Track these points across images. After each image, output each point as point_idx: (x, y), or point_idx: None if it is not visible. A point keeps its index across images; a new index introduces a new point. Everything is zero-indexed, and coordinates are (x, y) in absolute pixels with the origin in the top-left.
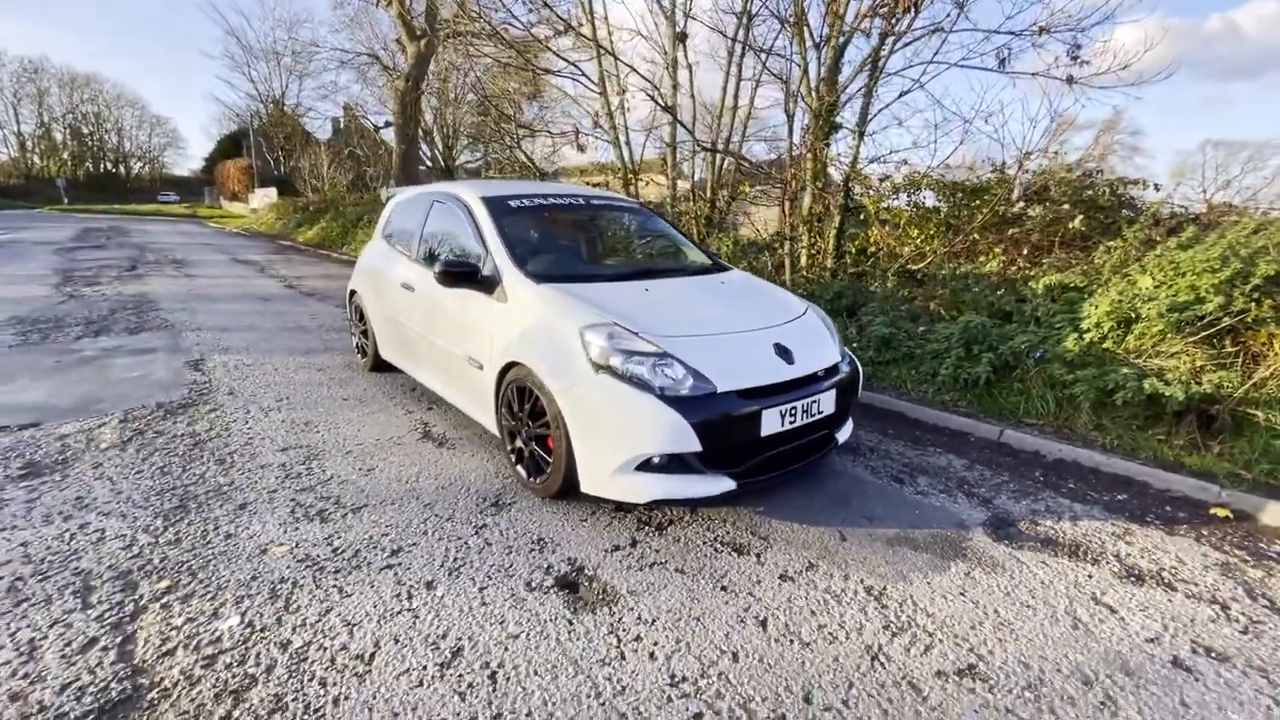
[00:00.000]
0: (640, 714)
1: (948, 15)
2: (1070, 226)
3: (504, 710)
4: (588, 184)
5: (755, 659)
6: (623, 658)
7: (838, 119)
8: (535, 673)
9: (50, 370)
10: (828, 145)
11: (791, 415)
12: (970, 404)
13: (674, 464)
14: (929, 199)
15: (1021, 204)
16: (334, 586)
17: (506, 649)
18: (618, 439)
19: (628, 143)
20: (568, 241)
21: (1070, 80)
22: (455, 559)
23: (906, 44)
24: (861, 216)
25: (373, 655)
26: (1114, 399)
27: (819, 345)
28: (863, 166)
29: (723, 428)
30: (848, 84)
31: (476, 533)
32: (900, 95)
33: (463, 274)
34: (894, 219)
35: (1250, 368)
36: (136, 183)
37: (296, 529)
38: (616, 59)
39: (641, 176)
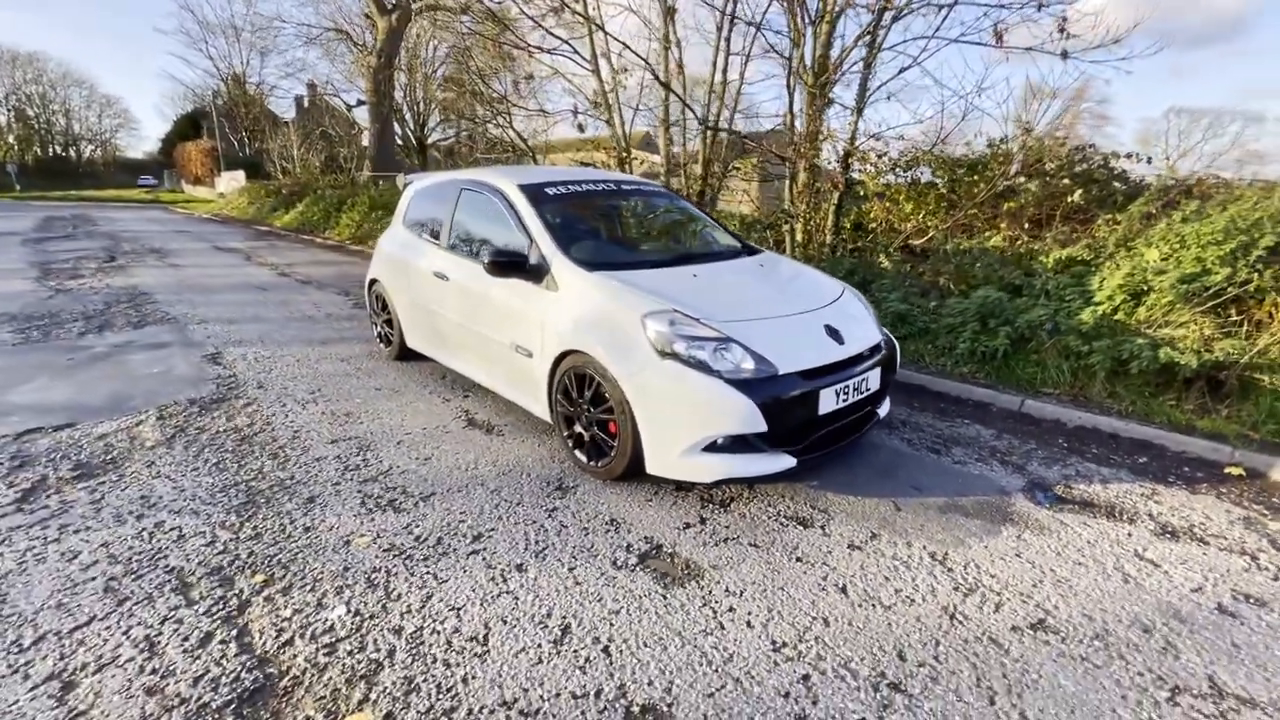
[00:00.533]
0: (752, 678)
1: None
2: (1069, 200)
3: (625, 681)
4: (577, 162)
5: (845, 623)
6: (722, 628)
7: (833, 95)
8: (645, 645)
9: (67, 369)
10: (824, 121)
11: (844, 394)
12: (989, 376)
13: (737, 444)
14: (925, 175)
15: (1022, 178)
16: (428, 574)
17: (612, 624)
18: (687, 422)
19: (623, 121)
20: (605, 227)
21: (1065, 55)
22: (537, 542)
23: (898, 18)
24: (861, 193)
25: (486, 636)
26: (1129, 368)
27: (862, 325)
28: (861, 143)
29: (785, 408)
30: (842, 59)
31: (549, 516)
32: (900, 71)
33: (511, 263)
34: (893, 195)
35: (1254, 335)
36: (89, 167)
37: (372, 519)
38: (608, 35)
39: (603, 154)
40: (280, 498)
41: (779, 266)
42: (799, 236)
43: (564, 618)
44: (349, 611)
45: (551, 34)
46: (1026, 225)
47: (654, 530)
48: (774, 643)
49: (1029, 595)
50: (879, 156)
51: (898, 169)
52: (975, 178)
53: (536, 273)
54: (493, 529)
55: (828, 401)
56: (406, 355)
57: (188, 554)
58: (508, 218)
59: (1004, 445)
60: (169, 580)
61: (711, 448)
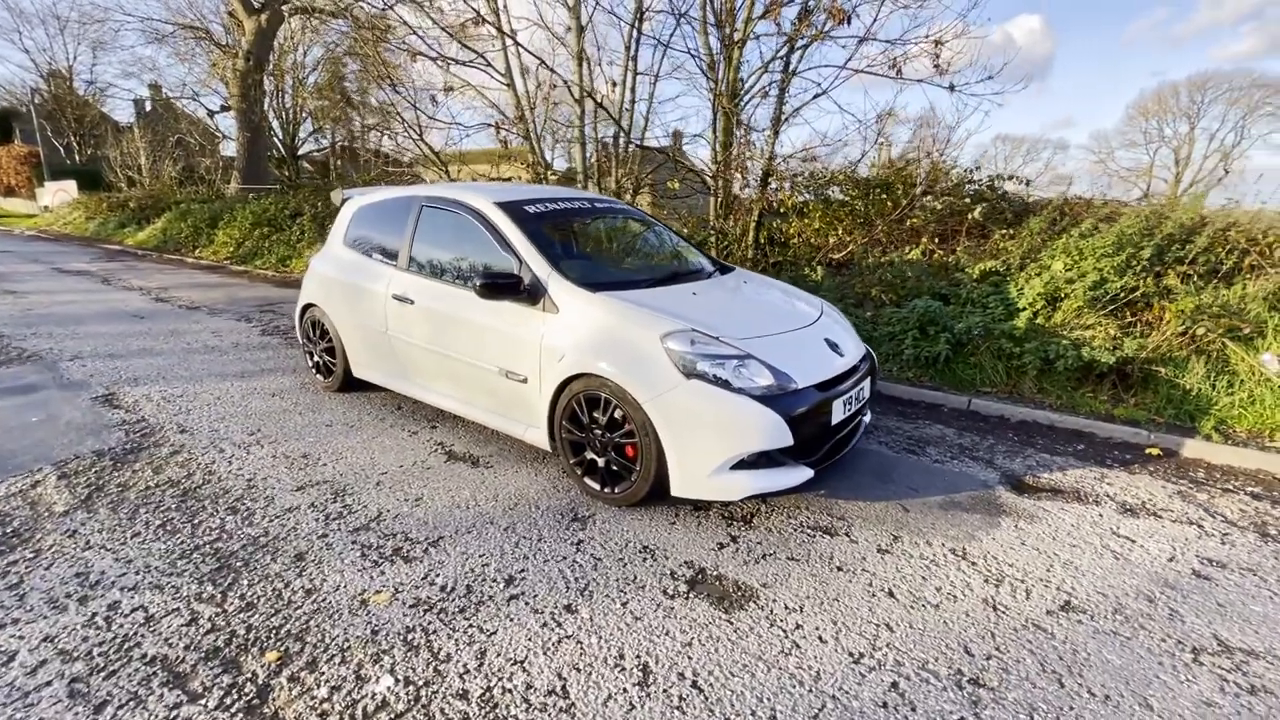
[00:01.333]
0: (846, 693)
1: (824, 25)
2: (970, 217)
3: (729, 715)
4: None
5: (906, 626)
6: (798, 646)
7: (750, 117)
8: (732, 674)
9: None
10: (737, 140)
11: (849, 403)
12: (934, 379)
13: (762, 459)
14: (836, 193)
15: (929, 197)
16: (471, 627)
17: (690, 657)
18: (716, 441)
19: (538, 135)
20: (590, 247)
21: (952, 88)
22: (577, 579)
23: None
24: (781, 210)
25: (565, 688)
26: (1055, 366)
27: (849, 337)
28: (778, 162)
29: (807, 421)
30: (752, 85)
31: (577, 550)
32: (814, 98)
33: (505, 286)
34: (811, 212)
35: (1147, 334)
36: None
37: (382, 573)
38: (520, 47)
39: (509, 167)
40: (261, 558)
41: (760, 283)
42: (712, 252)
43: (639, 657)
44: (398, 681)
45: (467, 46)
46: (937, 240)
47: (691, 554)
48: (851, 655)
49: (1047, 580)
50: (794, 176)
51: (812, 188)
52: (884, 196)
53: (531, 295)
54: (523, 570)
55: (838, 412)
56: (352, 385)
57: (167, 638)
58: (487, 238)
59: (968, 443)
60: (154, 673)
61: (739, 465)
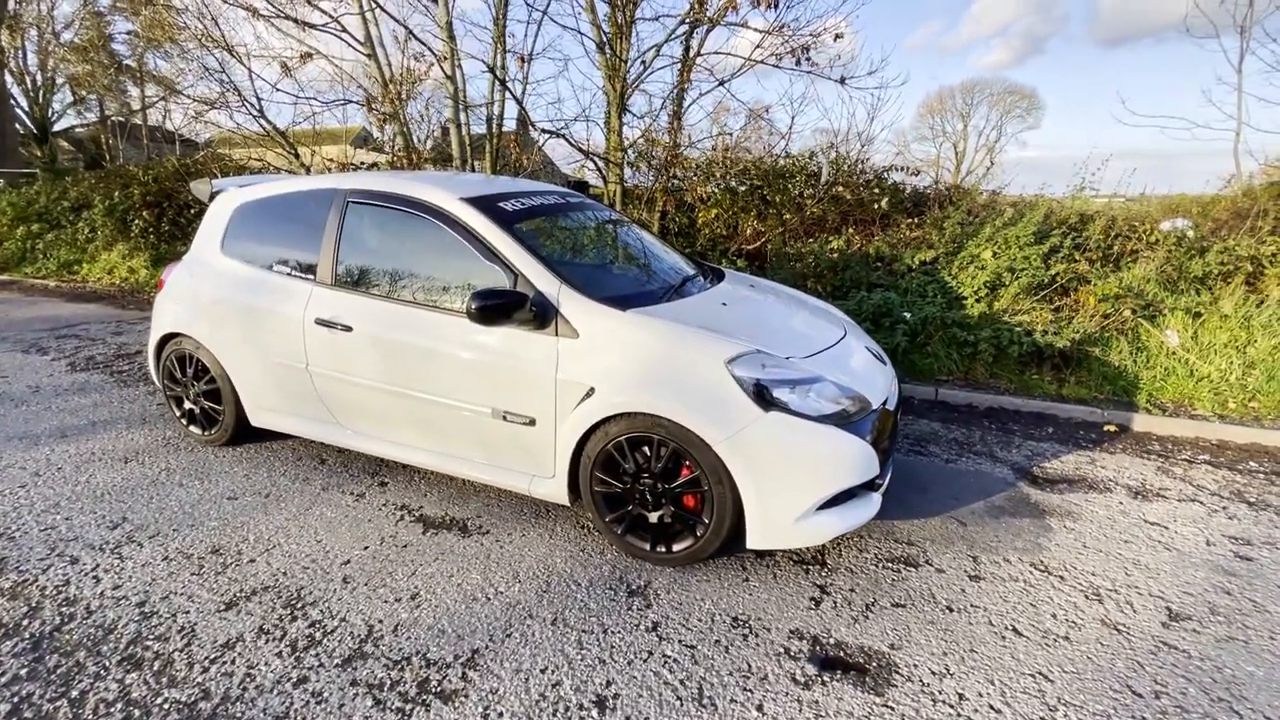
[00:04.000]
0: None
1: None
2: (876, 207)
3: None
4: (333, 162)
5: (1058, 670)
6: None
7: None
8: None
9: None
10: (624, 127)
11: (899, 415)
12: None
13: (841, 495)
14: (735, 184)
15: (840, 187)
16: None
17: None
18: (807, 481)
19: (405, 118)
20: (587, 253)
21: (842, 80)
22: (682, 682)
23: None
24: (688, 200)
25: None
26: (1008, 352)
27: (873, 342)
28: (683, 150)
29: (886, 444)
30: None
31: (658, 638)
32: (714, 88)
33: (506, 306)
34: (719, 202)
35: (1071, 317)
36: None
37: None
38: (384, 11)
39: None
40: None
41: (766, 286)
42: None
43: None
44: None
45: (317, 7)
46: (852, 230)
47: (791, 620)
48: (1022, 718)
49: (1135, 586)
50: (698, 166)
51: (716, 178)
52: (790, 186)
53: (539, 316)
54: (609, 683)
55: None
56: (243, 437)
57: None
58: (458, 244)
59: (960, 437)
60: None
61: (823, 505)
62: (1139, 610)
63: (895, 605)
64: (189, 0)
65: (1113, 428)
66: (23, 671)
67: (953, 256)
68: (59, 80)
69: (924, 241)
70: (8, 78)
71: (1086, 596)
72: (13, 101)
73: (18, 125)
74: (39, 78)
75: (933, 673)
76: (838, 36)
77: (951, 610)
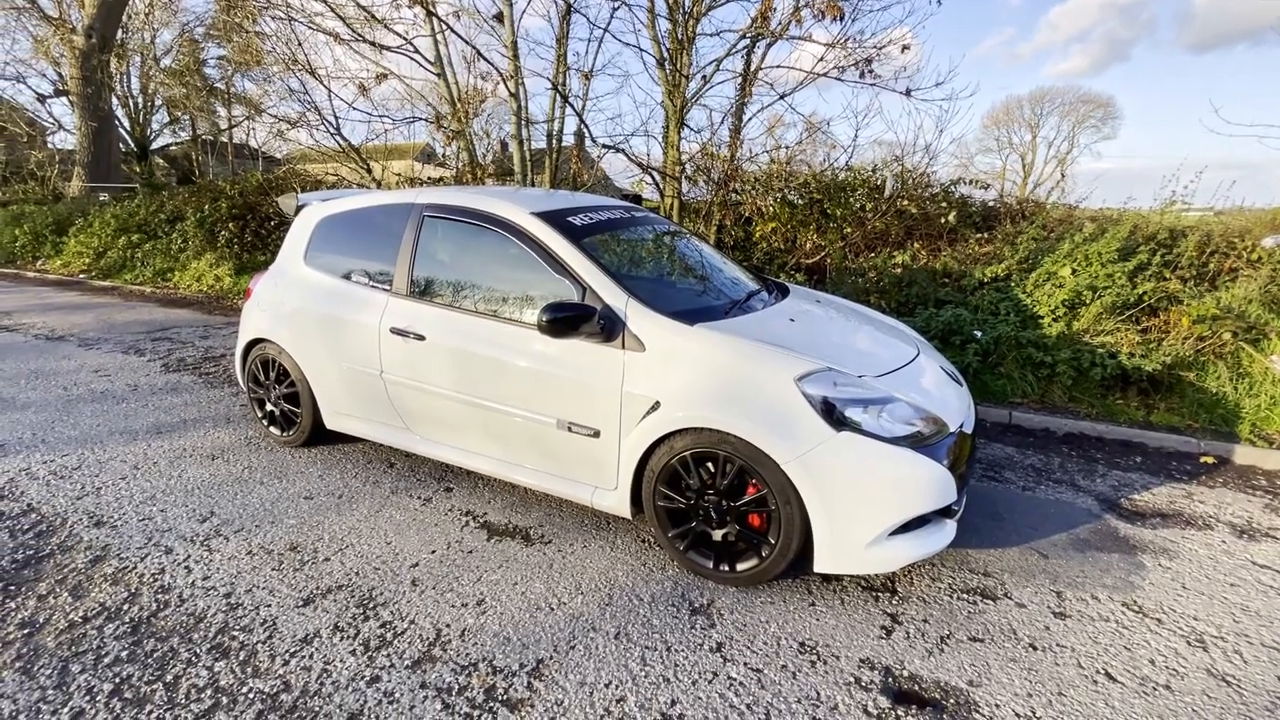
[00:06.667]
0: None
1: (804, 21)
2: (944, 221)
3: None
4: (401, 177)
5: (1157, 718)
6: None
7: (700, 116)
8: None
9: None
10: (682, 142)
11: (975, 439)
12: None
13: (915, 520)
14: (794, 197)
15: (905, 200)
16: None
17: None
18: (880, 505)
19: (471, 133)
20: (652, 267)
21: (908, 92)
22: (748, 705)
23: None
24: (745, 215)
25: None
26: (1090, 375)
27: (946, 362)
28: (742, 163)
29: (964, 469)
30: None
31: (722, 659)
32: (783, 97)
33: (576, 319)
34: (778, 215)
35: (1161, 339)
36: None
37: None
38: (448, 28)
39: (381, 164)
40: None
41: (831, 302)
42: None
43: None
44: None
45: (391, 30)
46: (916, 245)
47: (861, 648)
48: None
49: (1244, 634)
50: (757, 178)
51: (774, 191)
52: (851, 200)
53: (607, 330)
54: (673, 701)
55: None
56: (319, 439)
57: None
58: (530, 257)
59: (1037, 463)
60: None
61: (896, 530)
62: (1250, 661)
63: (973, 639)
64: (276, 26)
65: (1210, 459)
66: (123, 654)
67: (1027, 273)
68: (157, 102)
69: (995, 257)
70: (113, 100)
71: (1189, 642)
72: (117, 122)
73: (120, 144)
74: (140, 100)
75: (1017, 715)
76: (905, 48)
77: (1035, 648)
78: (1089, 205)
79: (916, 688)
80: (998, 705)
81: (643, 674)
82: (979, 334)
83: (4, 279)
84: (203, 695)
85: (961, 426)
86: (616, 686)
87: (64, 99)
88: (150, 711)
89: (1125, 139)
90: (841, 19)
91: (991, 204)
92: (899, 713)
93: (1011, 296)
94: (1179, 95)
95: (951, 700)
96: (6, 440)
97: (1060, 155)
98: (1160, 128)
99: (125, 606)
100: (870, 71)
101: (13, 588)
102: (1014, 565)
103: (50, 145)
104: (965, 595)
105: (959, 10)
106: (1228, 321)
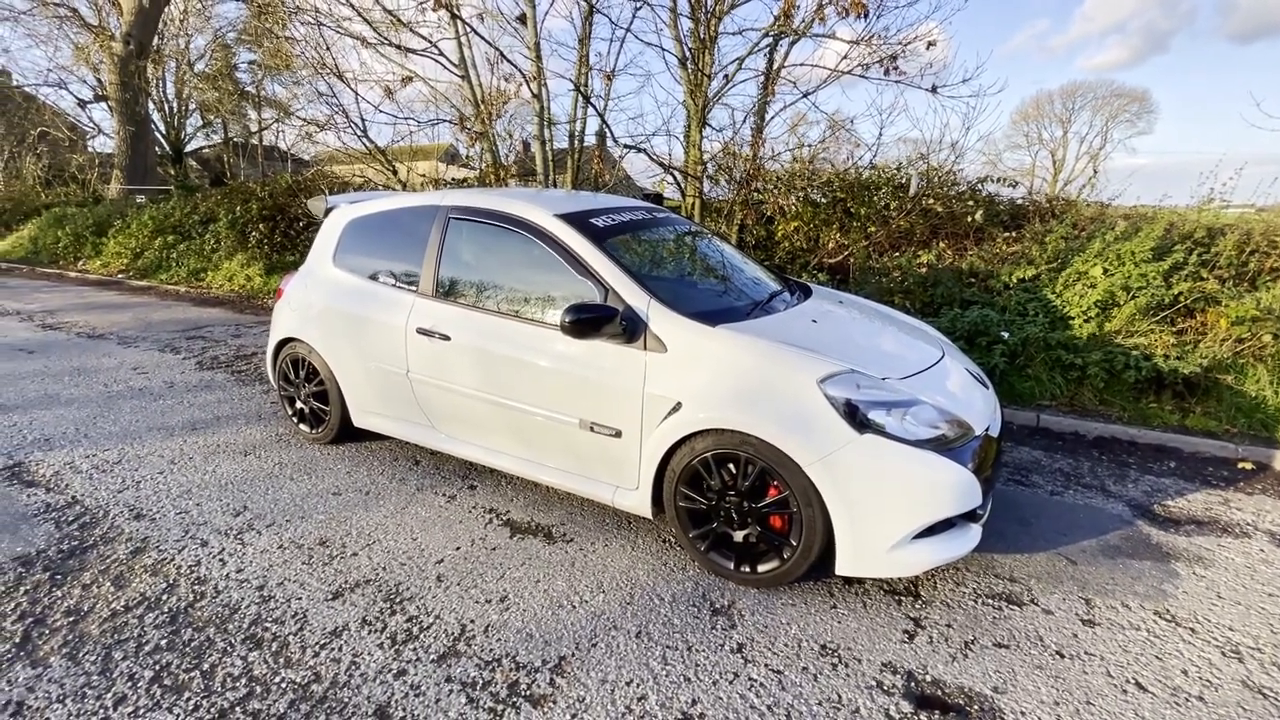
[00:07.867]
0: None
1: (826, 18)
2: (970, 220)
3: None
4: (425, 177)
5: None
6: None
7: (722, 115)
8: None
9: None
10: (734, 140)
11: (1002, 442)
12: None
13: (939, 524)
14: (817, 196)
15: (931, 199)
16: None
17: None
18: (903, 508)
19: (494, 134)
20: (673, 268)
21: (934, 89)
22: (769, 707)
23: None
24: (767, 214)
25: None
26: (1123, 377)
27: (972, 364)
28: (764, 161)
29: (989, 472)
30: (723, 90)
31: (743, 659)
32: (796, 100)
33: (598, 320)
34: (801, 214)
35: (1197, 340)
36: None
37: None
38: (474, 32)
39: (405, 165)
40: None
41: (854, 303)
42: None
43: None
44: None
45: (416, 33)
46: (943, 244)
47: (883, 652)
48: None
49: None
50: (779, 178)
51: (797, 190)
52: (875, 199)
53: (629, 331)
54: (694, 701)
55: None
56: (347, 436)
57: None
58: (552, 258)
59: (1066, 467)
60: None
61: (920, 534)
62: None
63: (998, 645)
64: (305, 31)
65: (1248, 465)
66: (163, 642)
67: (1056, 273)
68: (191, 106)
69: (1023, 256)
70: (150, 105)
71: (1223, 653)
72: (153, 126)
73: (156, 147)
74: (175, 104)
75: None
76: (930, 44)
77: (1063, 656)
78: (1122, 202)
79: (940, 693)
80: (1023, 713)
81: (664, 673)
82: (1006, 335)
83: (48, 279)
84: (238, 684)
85: (987, 430)
86: (638, 685)
87: (103, 104)
88: (188, 699)
89: (1162, 134)
90: (866, 15)
91: (1020, 202)
92: (922, 717)
93: (1040, 297)
94: (1219, 88)
95: (976, 706)
96: (53, 435)
97: (1092, 151)
98: (1198, 123)
99: (164, 597)
100: (895, 69)
101: (59, 576)
102: (1041, 571)
103: (90, 149)
104: (991, 600)
105: (988, 4)
106: (1268, 323)
